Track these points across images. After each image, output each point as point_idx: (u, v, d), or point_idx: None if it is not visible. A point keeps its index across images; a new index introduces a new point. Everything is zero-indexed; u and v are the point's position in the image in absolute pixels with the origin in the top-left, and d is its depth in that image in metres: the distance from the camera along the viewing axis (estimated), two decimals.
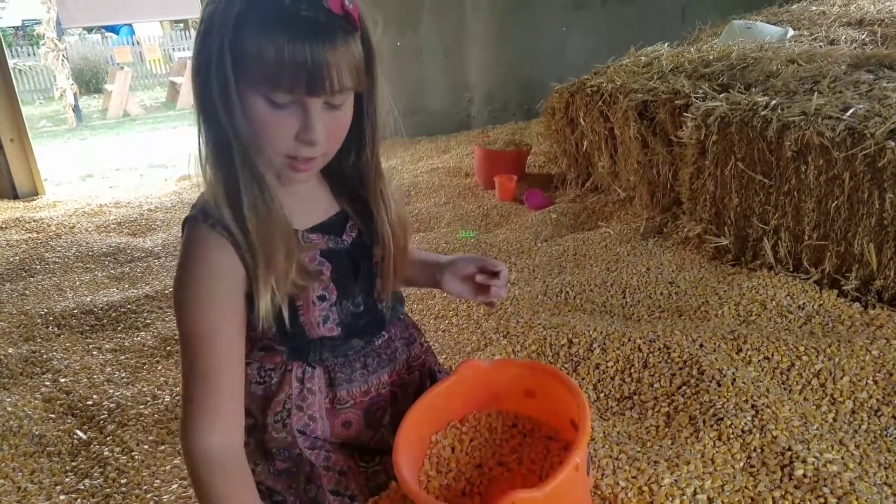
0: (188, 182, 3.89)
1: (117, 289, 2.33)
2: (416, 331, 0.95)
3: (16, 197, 3.69)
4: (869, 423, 1.15)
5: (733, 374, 1.25)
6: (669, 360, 1.34)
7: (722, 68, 2.19)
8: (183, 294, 0.72)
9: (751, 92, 1.91)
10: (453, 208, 2.89)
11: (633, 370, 1.36)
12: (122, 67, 9.00)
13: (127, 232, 3.05)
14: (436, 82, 4.39)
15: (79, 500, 1.25)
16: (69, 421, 1.49)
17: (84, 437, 1.44)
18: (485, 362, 0.88)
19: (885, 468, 1.03)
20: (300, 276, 0.75)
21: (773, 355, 1.33)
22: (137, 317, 2.05)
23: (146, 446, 1.39)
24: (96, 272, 2.49)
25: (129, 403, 1.53)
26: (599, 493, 0.94)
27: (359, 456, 0.87)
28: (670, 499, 0.93)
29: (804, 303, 1.57)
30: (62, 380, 1.66)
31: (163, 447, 1.39)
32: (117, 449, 1.38)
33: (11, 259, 2.62)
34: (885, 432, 1.13)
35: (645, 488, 0.95)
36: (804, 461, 1.01)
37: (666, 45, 2.84)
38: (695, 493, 0.95)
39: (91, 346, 1.88)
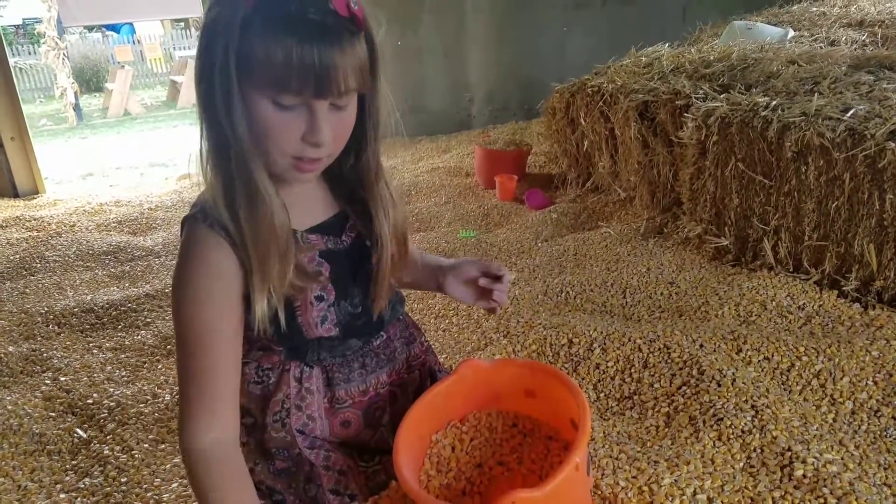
0: (188, 181, 3.89)
1: (117, 287, 2.33)
2: (417, 330, 0.95)
3: (16, 195, 3.69)
4: (869, 424, 1.15)
5: (733, 374, 1.25)
6: (669, 361, 1.34)
7: (722, 69, 2.20)
8: (181, 293, 0.72)
9: (751, 92, 1.91)
10: (454, 208, 2.89)
11: (633, 370, 1.36)
12: (122, 66, 9.00)
13: (127, 231, 3.05)
14: (436, 82, 4.39)
15: (79, 499, 1.25)
16: (69, 419, 1.49)
17: (84, 435, 1.44)
18: (485, 362, 0.88)
19: (885, 469, 1.03)
20: (298, 276, 0.75)
21: (773, 356, 1.33)
22: (138, 315, 2.05)
23: (146, 445, 1.39)
24: (97, 271, 2.49)
25: (130, 402, 1.54)
26: (599, 492, 0.94)
27: (358, 455, 0.87)
28: (670, 499, 0.93)
29: (804, 303, 1.57)
30: (62, 378, 1.66)
31: (163, 446, 1.39)
32: (117, 447, 1.39)
33: (12, 257, 2.62)
34: (884, 433, 1.13)
35: (645, 488, 0.95)
36: (804, 461, 1.01)
37: (666, 45, 2.84)
38: (695, 493, 0.95)
39: (91, 344, 1.88)
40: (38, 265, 2.54)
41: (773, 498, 0.95)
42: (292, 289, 0.75)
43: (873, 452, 1.07)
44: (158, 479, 1.29)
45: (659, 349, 1.38)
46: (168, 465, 1.33)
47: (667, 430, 1.16)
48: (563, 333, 1.49)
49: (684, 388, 1.26)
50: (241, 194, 0.69)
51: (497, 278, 0.89)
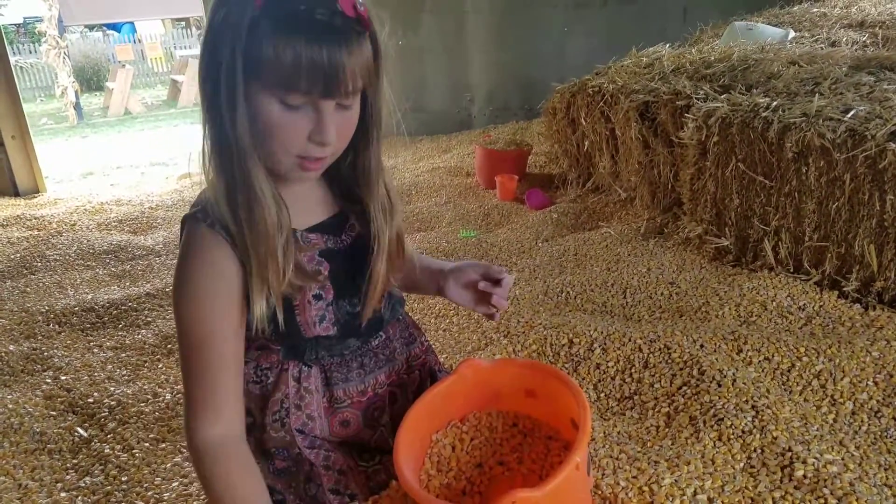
0: (189, 180, 3.89)
1: (118, 286, 2.33)
2: (417, 330, 0.95)
3: (17, 194, 3.69)
4: (869, 425, 1.15)
5: (734, 374, 1.25)
6: (670, 361, 1.34)
7: (723, 69, 2.20)
8: (182, 293, 0.73)
9: (752, 93, 1.91)
10: (454, 208, 2.89)
11: (633, 370, 1.36)
12: (123, 65, 9.00)
13: (128, 230, 3.05)
14: (437, 82, 4.39)
15: (80, 498, 1.25)
16: (70, 418, 1.50)
17: (85, 434, 1.44)
18: (485, 362, 0.88)
19: (886, 469, 1.03)
20: (297, 275, 0.75)
21: (773, 356, 1.33)
22: (138, 314, 2.05)
23: (147, 444, 1.39)
24: (97, 270, 2.49)
25: (130, 401, 1.54)
26: (600, 492, 0.94)
27: (358, 455, 0.88)
28: (670, 499, 0.93)
29: (805, 304, 1.57)
30: (63, 377, 1.67)
31: (163, 445, 1.39)
32: (118, 446, 1.39)
33: (12, 256, 2.62)
34: (885, 433, 1.13)
35: (645, 488, 0.95)
36: (804, 462, 1.01)
37: (667, 45, 2.84)
38: (695, 494, 0.95)
39: (92, 343, 1.88)
40: (39, 264, 2.55)
41: (773, 498, 0.95)
42: (291, 288, 0.75)
43: (874, 453, 1.07)
44: (159, 478, 1.29)
45: (659, 349, 1.38)
46: (169, 464, 1.33)
47: (667, 430, 1.16)
48: (564, 333, 1.49)
49: (685, 388, 1.26)
50: (242, 194, 0.70)
51: (496, 282, 0.88)
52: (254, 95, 0.67)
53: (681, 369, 1.31)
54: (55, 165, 4.77)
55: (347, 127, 0.73)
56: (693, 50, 2.62)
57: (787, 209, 1.71)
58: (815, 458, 1.02)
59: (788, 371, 1.30)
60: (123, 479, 1.29)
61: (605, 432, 1.13)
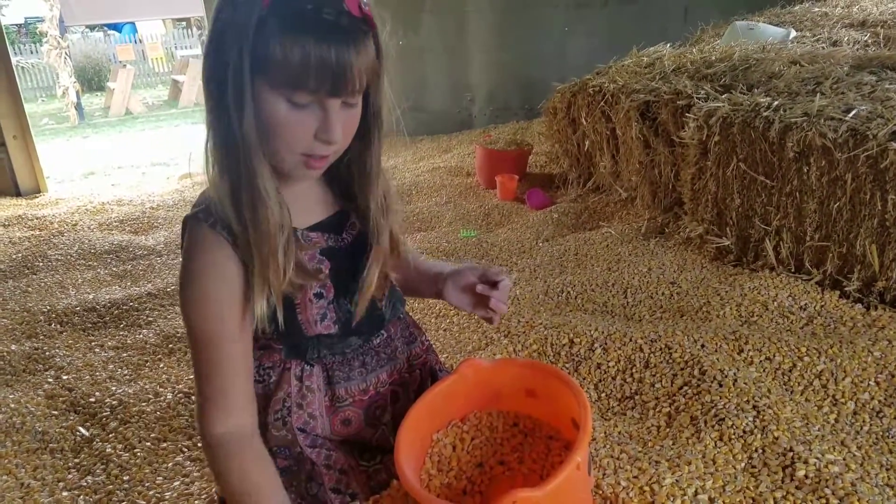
0: (190, 180, 3.90)
1: (119, 286, 2.33)
2: (417, 330, 0.96)
3: (18, 194, 3.70)
4: (871, 425, 1.15)
5: (735, 374, 1.25)
6: (671, 361, 1.34)
7: (724, 69, 2.19)
8: (188, 295, 0.74)
9: (753, 93, 1.91)
10: (454, 208, 2.89)
11: (634, 370, 1.36)
12: (124, 65, 9.00)
13: (129, 230, 3.05)
14: (437, 82, 4.39)
15: (81, 497, 1.25)
16: (72, 418, 1.50)
17: (86, 433, 1.44)
18: (486, 361, 0.88)
19: (887, 469, 1.03)
20: (299, 274, 0.76)
21: (774, 356, 1.33)
22: (140, 314, 2.05)
23: (148, 443, 1.40)
24: (98, 270, 2.49)
25: (132, 401, 1.54)
26: (600, 492, 0.94)
27: (360, 454, 0.88)
28: (671, 499, 0.93)
29: (806, 304, 1.57)
30: (65, 377, 1.67)
31: (165, 444, 1.39)
32: (120, 446, 1.39)
33: (14, 256, 2.62)
34: (887, 433, 1.13)
35: (646, 488, 0.95)
36: (806, 462, 1.01)
37: (668, 45, 2.84)
38: (696, 494, 0.95)
39: (93, 343, 1.89)
40: (41, 264, 2.55)
41: (774, 498, 0.95)
42: (292, 287, 0.76)
43: (875, 453, 1.07)
44: (160, 478, 1.29)
45: (660, 349, 1.38)
46: (170, 464, 1.33)
47: (668, 430, 1.16)
48: (564, 333, 1.49)
49: (686, 388, 1.26)
50: (247, 192, 0.70)
51: (494, 284, 0.87)
52: (260, 94, 0.67)
53: (682, 369, 1.31)
54: (56, 165, 4.78)
55: (351, 125, 0.74)
56: (694, 49, 2.62)
57: (789, 209, 1.71)
58: (817, 458, 1.02)
59: (790, 371, 1.30)
60: (125, 478, 1.30)
61: (605, 432, 1.13)
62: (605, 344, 1.43)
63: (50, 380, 1.66)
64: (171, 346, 1.84)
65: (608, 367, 1.38)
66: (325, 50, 0.65)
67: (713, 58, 2.37)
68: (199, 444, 1.39)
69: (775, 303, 1.59)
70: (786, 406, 1.16)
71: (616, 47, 2.97)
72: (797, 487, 0.97)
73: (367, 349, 0.86)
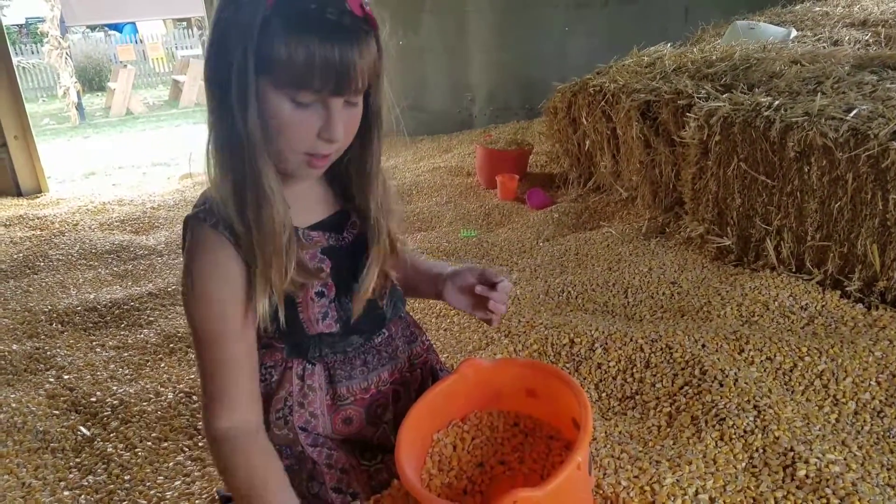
0: (191, 180, 3.90)
1: (120, 286, 2.34)
2: (418, 329, 0.96)
3: (20, 194, 3.70)
4: (872, 425, 1.15)
5: (735, 374, 1.25)
6: (671, 361, 1.34)
7: (725, 69, 2.19)
8: (191, 295, 0.74)
9: (754, 92, 1.91)
10: (455, 207, 2.89)
11: (635, 370, 1.36)
12: (125, 65, 9.01)
13: (130, 230, 3.05)
14: (437, 82, 4.39)
15: (83, 496, 1.25)
16: (73, 417, 1.50)
17: (88, 433, 1.44)
18: (486, 361, 0.88)
19: (888, 469, 1.03)
20: (300, 273, 0.76)
21: (775, 356, 1.33)
22: (140, 314, 2.06)
23: (149, 443, 1.40)
24: (99, 269, 2.50)
25: (133, 400, 1.54)
26: (601, 492, 0.94)
27: (361, 454, 0.88)
28: (672, 498, 0.93)
29: (807, 303, 1.57)
30: (66, 376, 1.67)
31: (166, 444, 1.40)
32: (121, 445, 1.39)
33: (15, 256, 2.63)
34: (888, 433, 1.13)
35: (647, 488, 0.95)
36: (806, 462, 1.01)
37: (669, 45, 2.84)
38: (697, 493, 0.95)
39: (95, 343, 1.89)
40: (42, 264, 2.55)
41: (775, 498, 0.95)
42: (293, 285, 0.76)
43: (876, 453, 1.07)
44: (161, 477, 1.29)
45: (661, 349, 1.38)
46: (171, 463, 1.33)
47: (669, 429, 1.16)
48: (565, 333, 1.49)
49: (686, 388, 1.26)
50: (251, 192, 0.71)
51: (493, 286, 0.87)
52: (264, 94, 0.68)
53: (682, 369, 1.31)
54: (57, 165, 4.78)
55: (353, 123, 0.74)
56: (695, 49, 2.62)
57: (790, 209, 1.70)
58: (818, 458, 1.02)
59: (790, 371, 1.30)
60: (126, 477, 1.30)
61: (606, 432, 1.13)
62: (606, 344, 1.43)
63: (51, 379, 1.66)
64: (171, 345, 1.84)
65: (609, 366, 1.38)
66: (330, 49, 0.65)
67: (714, 57, 2.37)
68: (201, 444, 1.39)
69: (776, 303, 1.59)
70: (787, 406, 1.16)
71: (616, 47, 2.97)
72: (798, 487, 0.97)
73: (368, 348, 0.86)
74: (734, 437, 1.08)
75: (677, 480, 0.96)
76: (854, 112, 1.58)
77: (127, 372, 1.71)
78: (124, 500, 1.24)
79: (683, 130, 1.97)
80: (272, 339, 0.80)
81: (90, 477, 1.31)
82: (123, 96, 8.34)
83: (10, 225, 3.09)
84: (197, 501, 1.21)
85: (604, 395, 1.33)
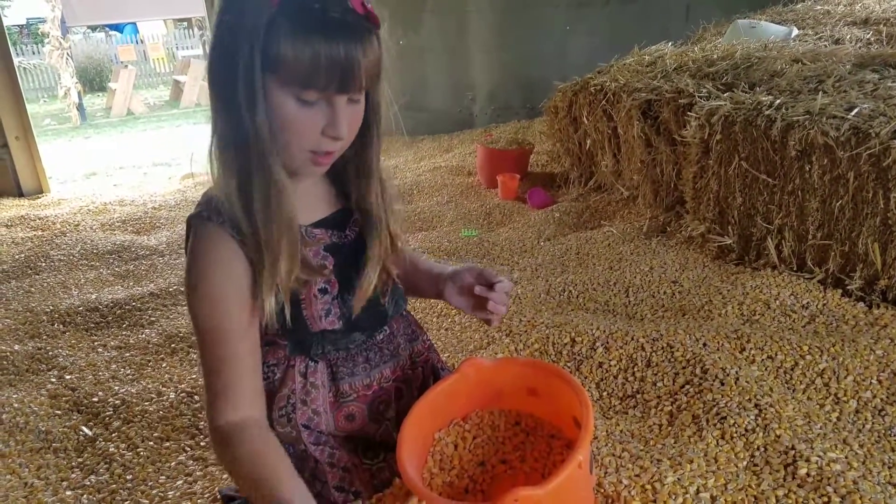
0: (192, 180, 3.90)
1: (122, 286, 2.34)
2: (419, 328, 0.96)
3: (21, 195, 3.71)
4: (873, 423, 1.15)
5: (737, 373, 1.25)
6: (672, 359, 1.34)
7: (726, 67, 2.19)
8: (195, 292, 0.74)
9: (755, 91, 1.91)
10: (456, 207, 2.89)
11: (636, 369, 1.36)
12: (125, 66, 9.02)
13: (131, 230, 3.06)
14: (438, 81, 4.39)
15: (85, 496, 1.26)
16: (75, 417, 1.50)
17: (90, 433, 1.44)
18: (487, 360, 0.88)
19: (889, 467, 1.03)
20: (303, 270, 0.76)
21: (776, 354, 1.33)
22: (142, 314, 2.06)
23: (151, 443, 1.40)
24: (101, 270, 2.50)
25: (135, 400, 1.54)
26: (602, 491, 0.94)
27: (363, 452, 0.88)
28: (673, 497, 0.93)
29: (808, 302, 1.57)
30: (68, 376, 1.67)
31: (168, 444, 1.40)
32: (123, 445, 1.39)
33: (17, 256, 2.63)
34: (889, 432, 1.13)
35: (648, 486, 0.95)
36: (808, 460, 1.01)
37: (670, 44, 2.84)
38: (698, 492, 0.95)
39: (96, 343, 1.89)
40: (43, 264, 2.56)
41: (776, 496, 0.95)
42: (297, 283, 0.76)
43: (878, 451, 1.07)
44: (163, 477, 1.30)
45: (662, 348, 1.38)
46: (173, 463, 1.34)
47: (670, 428, 1.16)
48: (566, 332, 1.49)
49: (687, 386, 1.26)
50: (259, 190, 0.71)
51: (492, 286, 0.87)
52: (269, 93, 0.69)
53: (683, 368, 1.31)
54: (58, 166, 4.79)
55: (356, 120, 0.75)
56: (696, 48, 2.62)
57: (791, 207, 1.70)
58: (819, 456, 1.02)
59: (792, 369, 1.30)
60: (128, 477, 1.30)
61: (607, 431, 1.13)
62: (607, 343, 1.43)
63: (53, 379, 1.66)
64: (173, 345, 1.84)
65: (610, 365, 1.38)
66: (335, 48, 0.66)
67: (715, 56, 2.36)
68: (202, 444, 1.39)
69: (777, 301, 1.59)
70: (788, 404, 1.16)
71: (617, 46, 2.97)
72: (799, 486, 0.97)
73: (370, 345, 0.86)
74: (735, 435, 1.09)
75: (678, 479, 0.96)
76: (855, 111, 1.58)
77: (129, 372, 1.71)
78: (126, 500, 1.24)
79: (684, 129, 1.97)
80: (275, 336, 0.81)
81: (92, 477, 1.31)
82: (124, 97, 8.34)
83: (11, 225, 3.09)
84: (199, 501, 1.21)
85: (605, 393, 1.33)
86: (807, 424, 1.12)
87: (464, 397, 0.88)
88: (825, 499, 0.94)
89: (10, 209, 3.42)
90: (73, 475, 1.32)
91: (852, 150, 1.51)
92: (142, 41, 12.20)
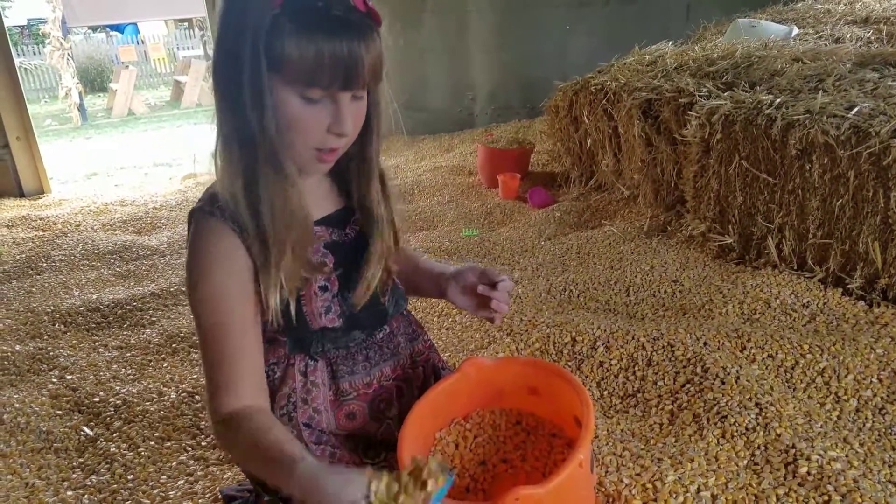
0: (193, 180, 3.91)
1: (123, 286, 2.34)
2: (419, 328, 0.96)
3: (22, 195, 3.71)
4: (873, 422, 1.15)
5: (737, 372, 1.25)
6: (673, 359, 1.34)
7: (726, 67, 2.19)
8: (196, 286, 0.74)
9: (755, 90, 1.90)
10: (456, 207, 2.90)
11: (636, 368, 1.36)
12: (126, 66, 9.02)
13: (132, 230, 3.06)
14: (438, 81, 4.39)
15: (86, 496, 1.26)
16: (76, 417, 1.50)
17: (91, 433, 1.45)
18: (488, 360, 0.88)
19: (890, 466, 1.03)
20: (304, 267, 0.76)
21: (777, 353, 1.33)
22: (143, 314, 2.06)
23: (152, 443, 1.40)
24: (102, 270, 2.50)
25: (136, 400, 1.54)
26: (603, 490, 0.94)
27: (364, 451, 0.88)
28: (674, 496, 0.93)
29: (808, 301, 1.57)
30: (69, 377, 1.68)
31: (169, 443, 1.40)
32: (124, 445, 1.40)
33: (18, 257, 2.63)
34: (889, 430, 1.13)
35: (648, 485, 0.95)
36: (808, 459, 1.01)
37: (670, 43, 2.84)
38: (698, 491, 0.95)
39: (97, 343, 1.89)
40: (45, 264, 2.56)
41: (777, 495, 0.96)
42: (299, 280, 0.77)
43: (878, 450, 1.07)
44: (164, 476, 1.30)
45: (662, 347, 1.38)
46: (174, 463, 1.34)
47: (670, 427, 1.17)
48: (567, 331, 1.49)
49: (688, 385, 1.26)
50: (270, 188, 0.72)
51: (494, 285, 0.88)
52: (274, 91, 0.69)
53: (684, 367, 1.31)
54: (59, 166, 4.79)
55: (360, 117, 0.76)
56: (696, 47, 2.61)
57: (791, 206, 1.70)
58: (819, 454, 1.02)
59: (792, 368, 1.30)
60: (129, 477, 1.30)
61: (608, 430, 1.13)
62: (608, 342, 1.43)
63: (54, 380, 1.67)
64: (174, 345, 1.85)
65: (610, 365, 1.38)
66: (338, 45, 0.67)
67: (715, 55, 2.36)
68: (203, 444, 1.39)
69: (778, 300, 1.59)
70: (788, 403, 1.17)
71: (617, 46, 2.96)
72: (799, 484, 0.97)
73: (370, 343, 0.87)
74: (736, 434, 1.09)
75: (679, 478, 0.96)
76: (855, 110, 1.58)
77: (130, 372, 1.72)
78: (127, 500, 1.24)
79: (685, 129, 1.97)
80: (275, 333, 0.81)
81: (93, 477, 1.31)
82: (125, 97, 8.35)
83: (12, 226, 3.10)
84: (200, 501, 1.21)
85: (606, 393, 1.33)
86: (807, 423, 1.12)
87: (465, 396, 0.88)
88: (825, 497, 0.94)
89: (12, 209, 3.42)
90: (75, 475, 1.32)
91: (852, 148, 1.51)
92: (142, 41, 12.21)
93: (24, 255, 2.64)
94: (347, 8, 0.68)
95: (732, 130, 1.79)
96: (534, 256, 2.21)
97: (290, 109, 0.70)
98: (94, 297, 2.20)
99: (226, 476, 1.27)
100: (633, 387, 1.32)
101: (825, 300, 1.57)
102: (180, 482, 1.28)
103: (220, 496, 1.15)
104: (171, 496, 1.24)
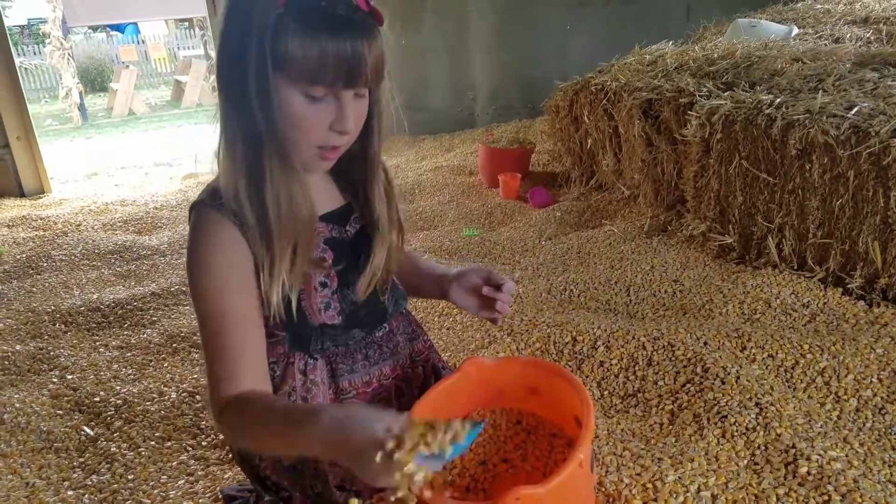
0: (193, 180, 3.91)
1: (123, 286, 2.34)
2: (419, 328, 0.97)
3: (22, 195, 3.71)
4: (873, 421, 1.15)
5: (737, 371, 1.25)
6: (674, 358, 1.34)
7: (726, 66, 2.19)
8: (196, 277, 0.75)
9: (755, 90, 1.91)
10: (457, 206, 2.90)
11: (637, 368, 1.36)
12: (127, 66, 9.03)
13: (133, 230, 3.06)
14: (439, 81, 4.39)
15: (86, 496, 1.26)
16: (76, 417, 1.51)
17: (91, 433, 1.45)
18: (489, 359, 0.88)
19: (890, 466, 1.03)
20: (306, 263, 0.77)
21: (777, 353, 1.33)
22: (144, 314, 2.06)
23: (153, 442, 1.40)
24: (102, 270, 2.50)
25: (136, 400, 1.55)
26: (603, 489, 0.94)
27: None
28: (674, 496, 0.93)
29: (808, 301, 1.57)
30: (69, 376, 1.68)
31: (169, 443, 1.40)
32: (124, 445, 1.40)
33: (18, 256, 2.64)
34: (889, 430, 1.13)
35: (649, 485, 0.95)
36: (808, 459, 1.01)
37: (670, 43, 2.84)
38: (699, 490, 0.95)
39: (98, 343, 1.89)
40: (45, 264, 2.56)
41: (777, 495, 0.96)
42: (300, 275, 0.77)
43: (878, 450, 1.07)
44: (165, 477, 1.30)
45: (663, 347, 1.38)
46: (174, 462, 1.34)
47: (671, 427, 1.17)
48: (567, 331, 1.50)
49: (688, 385, 1.26)
50: (276, 186, 0.72)
51: (499, 287, 0.89)
52: (278, 90, 0.70)
53: (684, 367, 1.31)
54: (60, 166, 4.79)
55: (362, 115, 0.76)
56: (696, 47, 2.61)
57: (791, 206, 1.70)
58: (819, 454, 1.02)
59: (792, 368, 1.30)
60: (130, 477, 1.30)
61: (608, 429, 1.14)
62: (608, 342, 1.43)
63: (55, 379, 1.67)
64: (175, 345, 1.85)
65: (611, 364, 1.39)
66: (341, 44, 0.68)
67: (715, 55, 2.36)
68: (204, 444, 1.40)
69: (778, 300, 1.59)
70: (788, 403, 1.17)
71: (618, 46, 2.96)
72: (800, 484, 0.97)
73: (369, 342, 0.87)
74: (736, 434, 1.09)
75: (679, 478, 0.97)
76: (855, 109, 1.58)
77: (130, 372, 1.72)
78: (128, 500, 1.24)
79: (685, 128, 1.97)
80: (274, 328, 0.81)
81: (94, 476, 1.31)
82: (125, 97, 8.35)
83: (13, 226, 3.10)
84: (201, 501, 1.21)
85: (606, 392, 1.33)
86: (807, 423, 1.12)
87: (465, 396, 0.88)
88: (825, 497, 0.94)
89: (12, 209, 3.42)
90: (75, 475, 1.32)
91: (852, 148, 1.51)
92: (143, 41, 12.21)
93: (24, 255, 2.64)
94: (350, 7, 0.68)
95: (732, 130, 1.79)
96: (534, 256, 2.21)
97: (294, 107, 0.70)
98: (95, 296, 2.20)
99: (226, 476, 1.27)
100: (634, 386, 1.32)
101: (825, 300, 1.57)
102: (181, 482, 1.28)
103: (220, 496, 1.15)
104: (172, 496, 1.24)
